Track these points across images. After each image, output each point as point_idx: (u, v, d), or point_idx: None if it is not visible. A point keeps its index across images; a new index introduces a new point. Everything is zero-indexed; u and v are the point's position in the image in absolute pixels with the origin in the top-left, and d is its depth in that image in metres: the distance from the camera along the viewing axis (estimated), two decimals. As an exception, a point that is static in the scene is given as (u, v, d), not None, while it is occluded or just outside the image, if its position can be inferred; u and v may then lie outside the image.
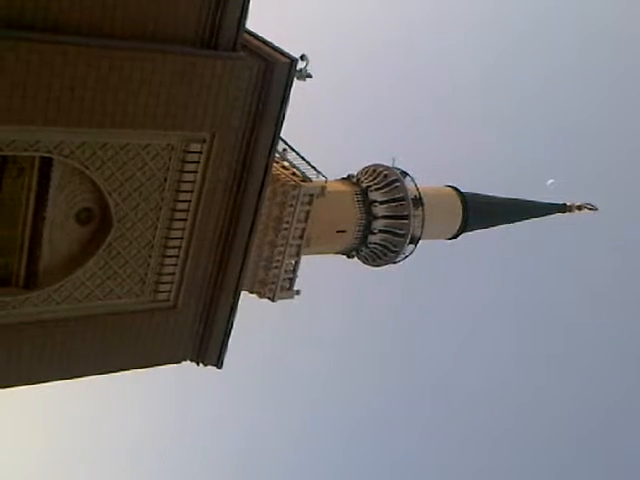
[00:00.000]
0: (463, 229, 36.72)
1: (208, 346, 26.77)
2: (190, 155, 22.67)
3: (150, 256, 24.06)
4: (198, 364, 27.30)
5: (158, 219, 23.41)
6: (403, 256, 34.78)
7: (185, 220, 23.85)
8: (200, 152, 22.72)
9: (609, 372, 73.79)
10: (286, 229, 30.25)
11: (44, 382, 24.57)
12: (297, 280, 32.30)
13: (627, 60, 74.92)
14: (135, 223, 23.11)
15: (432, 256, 41.60)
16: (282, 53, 22.84)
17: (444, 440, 78.86)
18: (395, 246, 33.85)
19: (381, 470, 78.41)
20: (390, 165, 34.70)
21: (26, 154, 20.61)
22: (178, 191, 23.17)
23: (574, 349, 75.03)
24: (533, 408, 76.01)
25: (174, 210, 23.48)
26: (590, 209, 39.53)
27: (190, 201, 23.52)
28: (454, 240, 37.58)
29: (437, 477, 79.39)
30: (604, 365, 74.21)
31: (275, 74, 22.43)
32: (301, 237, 31.07)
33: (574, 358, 75.02)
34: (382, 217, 33.26)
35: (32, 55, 18.76)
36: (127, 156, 21.77)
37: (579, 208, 39.55)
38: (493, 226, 38.93)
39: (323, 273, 42.49)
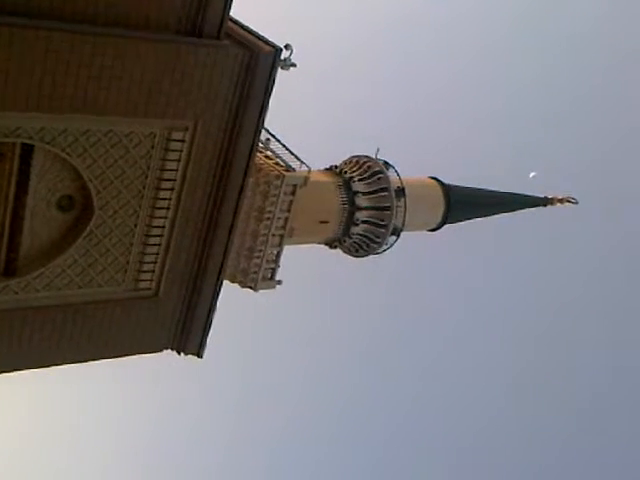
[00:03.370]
0: (445, 221, 36.84)
1: (189, 335, 26.78)
2: (173, 143, 22.61)
3: (132, 244, 24.00)
4: (179, 353, 27.30)
5: (140, 207, 23.35)
6: (385, 247, 34.88)
7: (167, 209, 23.81)
8: (183, 140, 22.66)
9: (596, 365, 74.66)
10: (269, 219, 30.22)
11: (22, 370, 24.47)
12: (279, 270, 32.33)
13: (609, 55, 75.41)
14: (117, 211, 23.03)
15: (415, 248, 41.74)
16: (266, 42, 22.81)
17: (427, 430, 79.37)
18: (377, 237, 33.92)
19: (365, 464, 78.91)
20: (373, 156, 34.74)
21: (7, 140, 20.45)
22: (160, 179, 23.11)
23: (559, 342, 75.74)
24: (523, 403, 76.67)
25: (156, 198, 23.42)
26: (571, 202, 39.81)
27: (172, 189, 23.47)
28: (436, 232, 37.71)
29: (421, 473, 79.80)
30: (590, 358, 75.05)
31: (259, 63, 22.39)
32: (283, 227, 31.04)
33: (559, 351, 75.77)
34: (365, 208, 33.31)
35: (14, 40, 18.60)
36: (109, 143, 21.67)
37: (560, 201, 39.81)
38: (475, 218, 39.08)
39: (305, 263, 42.52)
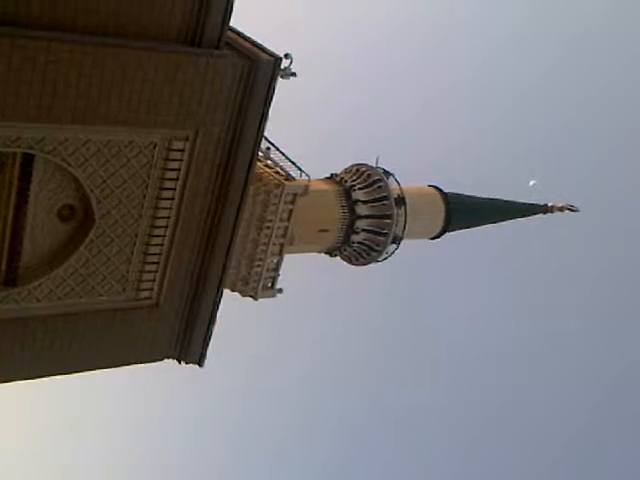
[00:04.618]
0: (445, 229, 36.87)
1: (190, 344, 26.75)
2: (173, 153, 22.63)
3: (132, 254, 24.00)
4: (180, 362, 27.26)
5: (140, 217, 23.35)
6: (386, 255, 34.90)
7: (168, 218, 23.81)
8: (183, 150, 22.68)
9: (592, 370, 74.58)
10: (269, 228, 30.25)
11: (23, 380, 24.44)
12: (279, 279, 32.32)
13: (609, 62, 75.58)
14: (117, 220, 23.04)
15: (415, 256, 41.78)
16: (266, 51, 22.86)
17: (427, 436, 79.19)
18: (378, 245, 33.95)
19: (367, 469, 78.72)
20: (373, 164, 34.80)
21: (7, 150, 20.48)
22: (161, 189, 23.12)
23: (559, 349, 75.65)
24: (522, 409, 76.57)
25: (157, 208, 23.43)
26: (571, 210, 39.86)
27: (173, 199, 23.48)
28: (437, 240, 37.73)
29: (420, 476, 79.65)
30: (589, 364, 74.98)
31: (259, 72, 22.45)
32: (284, 236, 31.08)
33: (559, 358, 75.65)
34: (365, 216, 33.34)
35: (14, 51, 18.65)
36: (110, 153, 21.70)
37: (560, 209, 39.85)
38: (475, 226, 39.11)
39: (305, 272, 42.53)
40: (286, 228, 30.90)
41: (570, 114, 77.45)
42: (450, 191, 37.21)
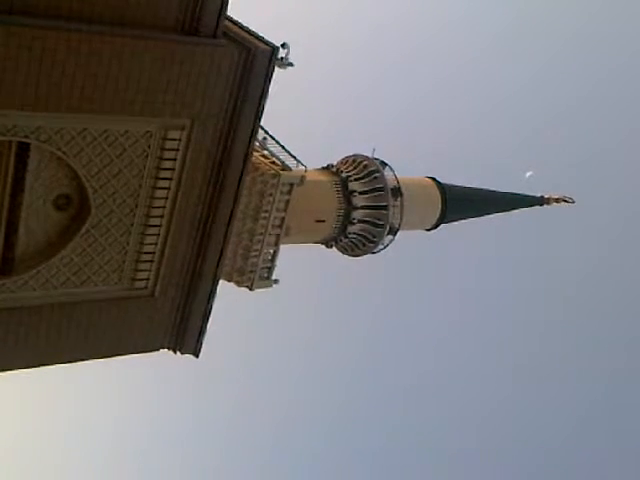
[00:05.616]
0: (442, 220, 36.87)
1: (185, 334, 26.75)
2: (169, 142, 22.57)
3: (128, 243, 23.97)
4: (175, 352, 27.27)
5: (136, 206, 23.31)
6: (382, 246, 34.90)
7: (164, 208, 23.77)
8: (179, 139, 22.63)
9: (588, 366, 74.78)
10: (265, 218, 30.19)
11: (18, 369, 24.43)
12: (275, 269, 32.31)
13: (605, 54, 75.53)
14: (113, 210, 23.00)
15: (412, 247, 41.82)
16: (263, 41, 22.80)
17: (423, 430, 79.42)
18: (374, 236, 33.95)
19: (362, 459, 78.95)
20: (370, 155, 34.74)
21: (3, 139, 20.40)
22: (157, 178, 23.07)
23: (556, 341, 75.87)
24: (518, 403, 76.80)
25: (153, 197, 23.39)
26: (567, 202, 39.91)
27: (169, 188, 23.44)
28: (433, 231, 37.74)
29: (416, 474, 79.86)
30: (586, 357, 75.20)
31: (256, 62, 22.38)
32: (280, 226, 31.03)
33: (556, 350, 75.88)
34: (361, 207, 33.31)
35: (10, 39, 18.56)
36: (106, 142, 21.64)
37: (557, 201, 39.91)
38: (472, 218, 39.13)
39: (302, 263, 42.53)
40: (282, 219, 30.85)
41: (566, 106, 77.49)
42: (447, 182, 37.20)
